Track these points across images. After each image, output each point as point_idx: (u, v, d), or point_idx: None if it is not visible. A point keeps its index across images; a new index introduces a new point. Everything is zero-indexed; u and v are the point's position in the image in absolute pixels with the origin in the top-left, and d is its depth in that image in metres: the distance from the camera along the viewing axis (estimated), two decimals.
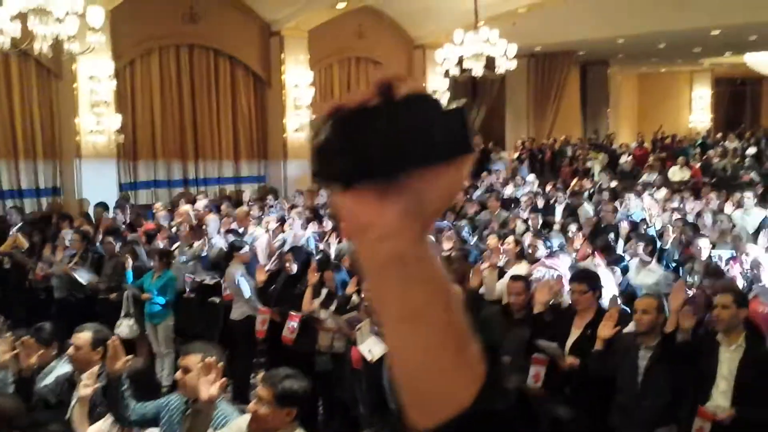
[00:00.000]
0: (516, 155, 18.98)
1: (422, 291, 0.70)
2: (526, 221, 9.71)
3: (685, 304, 4.87)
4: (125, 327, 7.65)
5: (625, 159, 18.96)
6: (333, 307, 6.13)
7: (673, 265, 7.47)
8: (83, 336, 4.01)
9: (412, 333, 0.71)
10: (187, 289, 7.97)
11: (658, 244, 7.62)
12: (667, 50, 19.77)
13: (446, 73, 14.94)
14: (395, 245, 0.69)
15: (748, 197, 9.75)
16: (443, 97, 17.63)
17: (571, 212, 11.02)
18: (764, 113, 25.99)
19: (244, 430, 2.94)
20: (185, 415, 3.28)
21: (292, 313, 6.00)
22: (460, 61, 13.87)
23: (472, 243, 8.35)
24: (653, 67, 25.05)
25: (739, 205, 9.97)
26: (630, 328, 4.79)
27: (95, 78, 11.47)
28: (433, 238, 7.28)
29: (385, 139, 0.66)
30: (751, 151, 18.65)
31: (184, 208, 10.45)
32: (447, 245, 7.83)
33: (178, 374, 3.31)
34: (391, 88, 0.68)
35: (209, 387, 2.97)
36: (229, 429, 3.03)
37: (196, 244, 8.53)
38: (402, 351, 0.73)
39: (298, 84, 14.46)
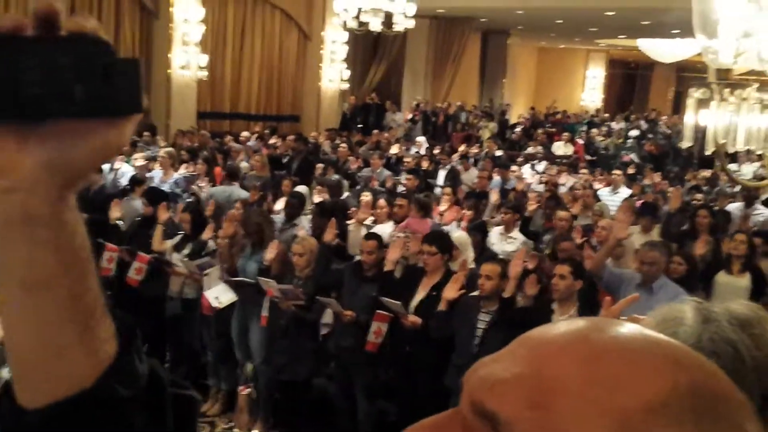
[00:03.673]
0: (410, 116, 19.06)
1: (54, 258, 0.61)
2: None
3: (533, 271, 5.03)
4: None
5: (516, 129, 19.41)
6: (186, 251, 5.95)
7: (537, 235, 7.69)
8: None
9: (35, 303, 0.62)
10: None
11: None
12: (564, 27, 20.22)
13: (345, 25, 14.76)
14: (26, 201, 0.59)
15: (617, 175, 10.16)
16: (341, 50, 17.47)
17: (453, 177, 11.18)
18: (652, 98, 27.14)
19: None
20: None
21: (140, 253, 5.80)
22: (359, 14, 13.73)
23: (345, 196, 8.30)
24: (552, 42, 25.60)
25: (608, 183, 10.38)
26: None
27: None
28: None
29: (38, 78, 0.56)
30: (634, 133, 19.47)
31: None
32: (317, 198, 7.78)
33: None
34: (55, 19, 0.57)
35: None
36: None
37: None
38: (19, 321, 0.64)
39: (188, 19, 13.87)
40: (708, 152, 2.40)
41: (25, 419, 0.65)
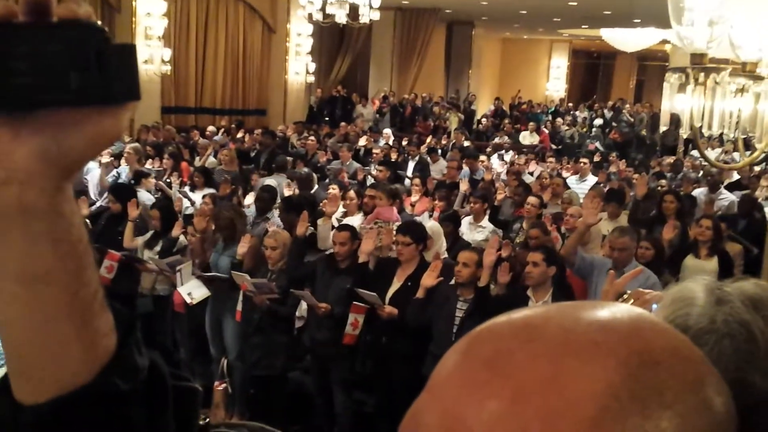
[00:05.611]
0: (376, 108, 19.03)
1: (51, 251, 0.60)
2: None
3: (506, 259, 5.06)
4: None
5: (483, 121, 19.54)
6: (158, 248, 5.88)
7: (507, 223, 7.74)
8: None
9: (32, 297, 0.61)
10: None
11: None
12: (528, 17, 20.35)
13: (310, 17, 14.69)
14: (21, 193, 0.57)
15: (584, 164, 10.28)
16: (306, 42, 17.38)
17: (422, 167, 11.20)
18: (615, 87, 27.47)
19: None
20: None
21: (110, 251, 5.71)
22: (324, 6, 13.68)
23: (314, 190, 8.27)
24: (516, 33, 25.76)
25: (575, 171, 10.49)
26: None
27: None
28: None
29: (29, 66, 0.54)
30: (598, 122, 19.71)
31: None
32: (287, 192, 7.74)
33: None
34: (46, 6, 0.55)
35: None
36: None
37: None
38: (15, 315, 0.62)
39: (151, 12, 13.67)
40: (684, 136, 2.44)
41: (24, 416, 0.64)
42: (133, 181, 7.79)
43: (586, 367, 0.47)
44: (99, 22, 0.58)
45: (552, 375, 0.46)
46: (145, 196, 7.28)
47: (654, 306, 1.43)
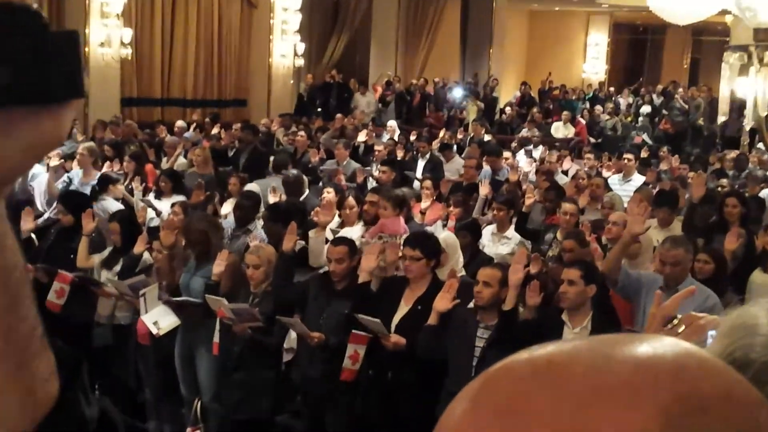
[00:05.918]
0: (379, 96, 19.05)
1: None
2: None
3: (535, 277, 5.06)
4: None
5: (507, 110, 19.56)
6: (117, 268, 5.91)
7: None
8: None
9: None
10: None
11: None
12: None
13: None
14: None
15: (629, 160, 10.27)
16: (294, 19, 17.41)
17: (434, 167, 11.20)
18: (666, 68, 27.44)
19: None
20: None
21: (61, 272, 5.74)
22: None
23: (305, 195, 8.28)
24: (546, 5, 25.81)
25: (618, 169, 10.48)
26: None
27: None
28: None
29: None
30: (645, 109, 19.71)
31: None
32: (273, 199, 7.75)
33: None
34: None
35: None
36: None
37: None
38: None
39: None
40: (748, 126, 2.43)
41: None
42: (98, 188, 7.81)
43: (619, 416, 0.47)
44: (35, 6, 0.58)
45: (577, 427, 0.47)
46: (114, 206, 7.31)
47: (711, 333, 1.42)
